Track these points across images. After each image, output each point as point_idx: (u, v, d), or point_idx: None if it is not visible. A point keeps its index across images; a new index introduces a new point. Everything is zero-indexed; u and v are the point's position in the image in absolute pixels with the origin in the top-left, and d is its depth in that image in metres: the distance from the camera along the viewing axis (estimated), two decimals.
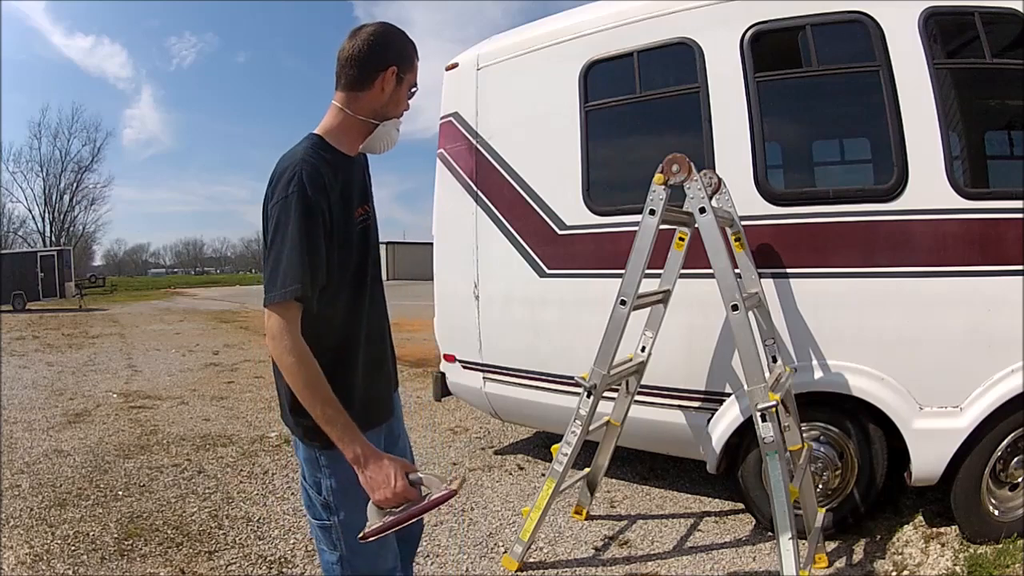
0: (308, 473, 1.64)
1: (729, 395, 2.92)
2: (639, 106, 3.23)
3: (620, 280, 2.53)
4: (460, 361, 3.90)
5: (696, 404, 3.04)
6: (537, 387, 3.52)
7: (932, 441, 2.57)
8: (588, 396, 2.60)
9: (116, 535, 3.04)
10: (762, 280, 2.76)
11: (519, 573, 2.68)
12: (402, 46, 1.55)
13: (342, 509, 1.62)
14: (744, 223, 2.77)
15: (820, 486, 2.82)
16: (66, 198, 49.43)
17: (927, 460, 2.59)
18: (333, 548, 1.67)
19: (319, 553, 1.73)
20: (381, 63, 1.50)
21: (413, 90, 1.60)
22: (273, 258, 1.40)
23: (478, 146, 3.67)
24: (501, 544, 2.93)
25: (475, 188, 3.70)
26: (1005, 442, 2.55)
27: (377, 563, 1.69)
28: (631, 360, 2.91)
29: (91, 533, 3.06)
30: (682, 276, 2.82)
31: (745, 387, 2.33)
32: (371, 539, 1.40)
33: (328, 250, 1.44)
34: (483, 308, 3.70)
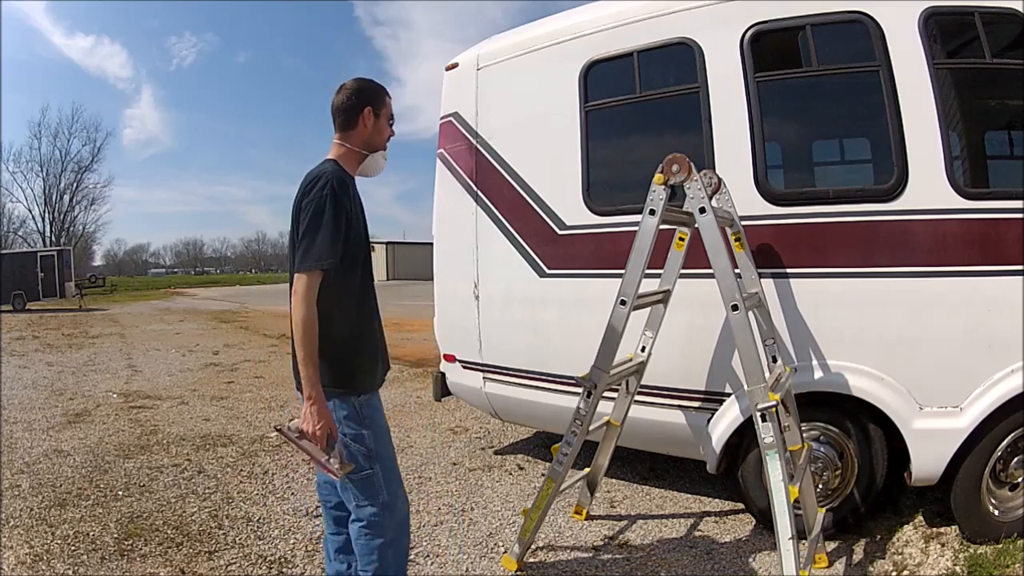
0: (351, 430, 1.98)
1: (729, 395, 2.92)
2: (639, 106, 3.23)
3: (620, 280, 2.53)
4: (460, 361, 3.90)
5: (696, 404, 3.04)
6: (537, 387, 3.52)
7: (932, 441, 2.57)
8: (588, 396, 2.60)
9: (116, 535, 3.04)
10: (762, 280, 2.76)
11: (519, 573, 2.68)
12: (374, 91, 2.08)
13: (381, 455, 2.03)
14: (744, 223, 2.77)
15: (820, 486, 2.82)
16: (66, 198, 49.52)
17: (927, 460, 2.59)
18: (375, 497, 2.00)
19: (357, 512, 2.02)
20: (360, 106, 2.03)
21: (391, 122, 2.13)
22: (308, 239, 1.85)
23: (478, 146, 3.67)
24: (501, 544, 2.93)
25: (475, 188, 3.70)
26: (1005, 442, 2.55)
27: (404, 507, 2.11)
28: (631, 360, 2.91)
29: (91, 533, 3.06)
30: (682, 276, 2.82)
31: (745, 387, 2.33)
32: (283, 433, 1.89)
33: (346, 237, 1.90)
34: (483, 308, 3.70)
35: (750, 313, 2.41)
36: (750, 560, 2.76)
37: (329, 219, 1.85)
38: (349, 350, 1.97)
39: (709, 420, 2.98)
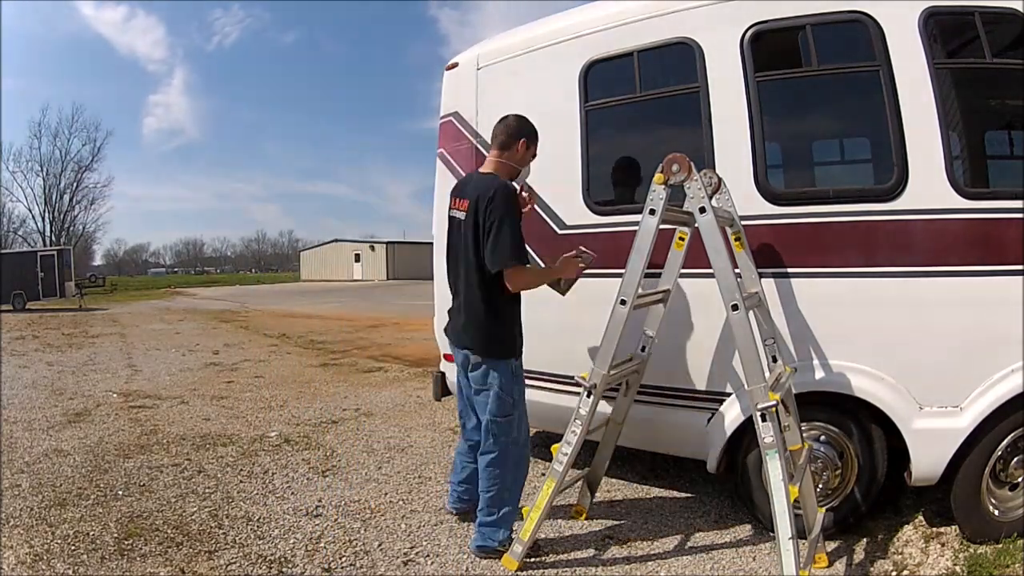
0: (506, 385, 2.73)
1: (729, 395, 2.92)
2: (639, 106, 3.23)
3: (620, 280, 2.54)
4: None
5: (696, 403, 3.03)
6: (537, 387, 3.52)
7: (932, 441, 2.57)
8: (588, 396, 2.60)
9: (116, 535, 3.04)
10: (762, 280, 2.76)
11: (519, 573, 2.68)
12: (533, 129, 2.92)
13: (520, 402, 2.83)
14: (744, 223, 2.76)
15: (820, 486, 2.82)
16: (66, 198, 49.59)
17: (927, 460, 2.59)
18: (508, 435, 2.77)
19: (495, 446, 2.76)
20: (518, 136, 2.90)
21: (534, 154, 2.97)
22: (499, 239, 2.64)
23: (478, 146, 3.67)
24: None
25: None
26: (1005, 442, 2.55)
27: (524, 447, 2.87)
28: (631, 360, 2.91)
29: (91, 533, 3.06)
30: (682, 276, 2.82)
31: (745, 387, 2.33)
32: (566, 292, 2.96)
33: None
34: None
35: (750, 313, 2.41)
36: (750, 560, 2.76)
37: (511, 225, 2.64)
38: (516, 327, 2.81)
39: (709, 420, 2.98)
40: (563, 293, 2.96)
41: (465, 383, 2.90)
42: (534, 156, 2.89)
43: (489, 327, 2.69)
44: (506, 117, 2.81)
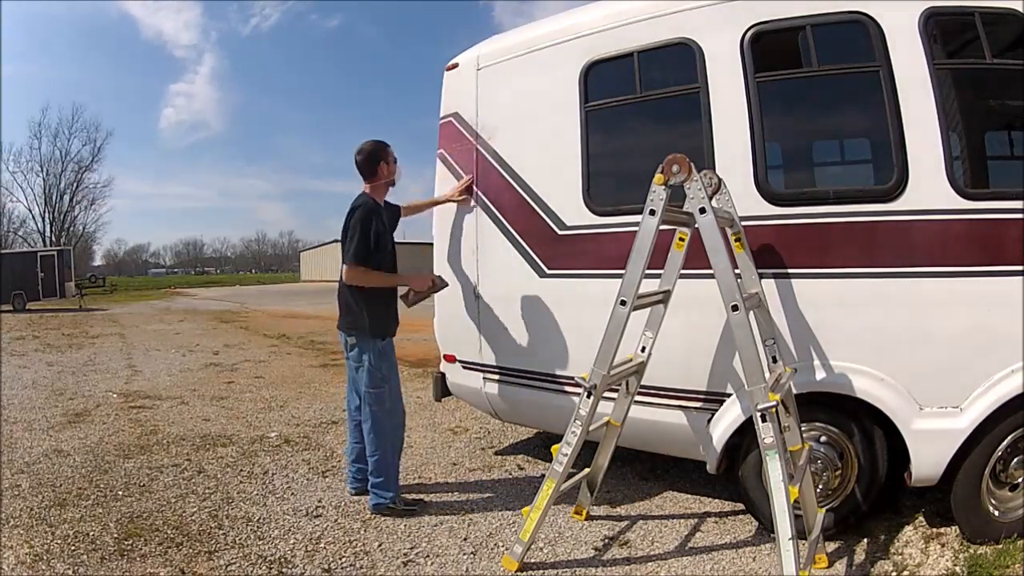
0: (374, 361, 3.24)
1: (729, 395, 2.92)
2: (639, 106, 3.23)
3: (620, 280, 2.54)
4: (460, 361, 3.90)
5: (696, 404, 3.03)
6: (537, 387, 3.52)
7: (932, 441, 2.57)
8: (588, 396, 2.60)
9: (116, 535, 3.04)
10: (762, 280, 2.76)
11: (519, 573, 2.68)
12: (381, 148, 3.37)
13: (390, 379, 3.31)
14: (744, 223, 2.76)
15: (820, 486, 2.82)
16: (66, 198, 49.61)
17: (927, 460, 2.59)
18: (382, 405, 3.26)
19: (369, 415, 3.25)
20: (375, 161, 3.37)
21: (395, 160, 3.43)
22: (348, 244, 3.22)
23: (478, 146, 3.67)
24: (501, 544, 2.93)
25: (475, 188, 3.70)
26: (1005, 442, 2.55)
27: (400, 415, 3.41)
28: (631, 360, 2.91)
29: (91, 533, 3.06)
30: (682, 276, 2.82)
31: (745, 387, 2.33)
32: (413, 305, 3.42)
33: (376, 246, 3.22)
34: (483, 308, 3.70)
35: (750, 313, 2.41)
36: (750, 560, 2.76)
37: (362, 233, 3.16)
38: (378, 312, 3.25)
39: (709, 420, 2.97)
40: (409, 305, 3.39)
41: (349, 364, 3.39)
42: (395, 161, 3.39)
43: (362, 314, 3.23)
44: (355, 156, 3.34)
